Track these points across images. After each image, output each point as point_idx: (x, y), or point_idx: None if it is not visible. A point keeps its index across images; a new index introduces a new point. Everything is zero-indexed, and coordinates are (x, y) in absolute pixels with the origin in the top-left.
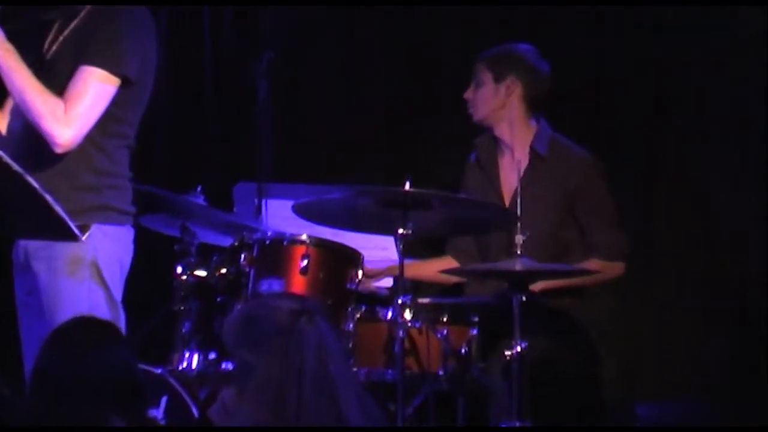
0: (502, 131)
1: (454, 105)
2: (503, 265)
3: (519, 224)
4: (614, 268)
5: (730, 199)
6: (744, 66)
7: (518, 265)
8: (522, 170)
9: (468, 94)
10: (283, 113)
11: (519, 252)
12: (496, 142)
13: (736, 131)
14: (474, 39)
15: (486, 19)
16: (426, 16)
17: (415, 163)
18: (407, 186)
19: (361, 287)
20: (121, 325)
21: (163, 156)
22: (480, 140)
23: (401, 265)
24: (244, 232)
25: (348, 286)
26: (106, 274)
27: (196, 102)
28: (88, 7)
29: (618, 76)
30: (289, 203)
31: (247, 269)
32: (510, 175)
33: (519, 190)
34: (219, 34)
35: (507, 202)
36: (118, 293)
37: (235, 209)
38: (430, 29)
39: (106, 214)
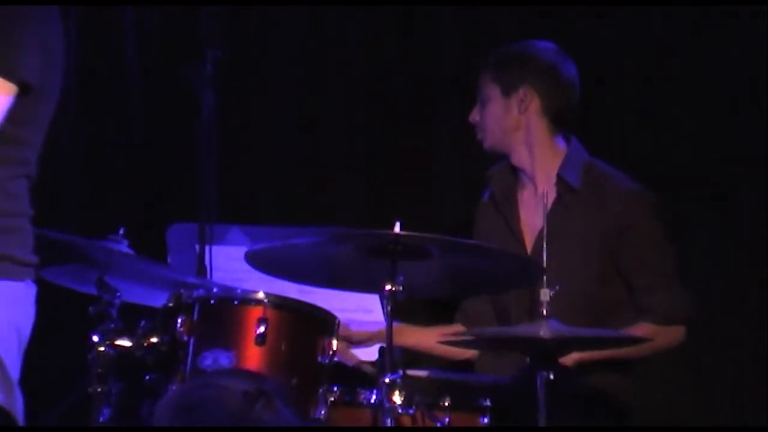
0: (521, 158)
1: (457, 125)
2: (524, 330)
3: (545, 277)
4: (672, 334)
5: None
6: None
7: (544, 331)
8: (548, 207)
9: (474, 116)
10: (232, 133)
11: (545, 312)
12: (514, 172)
13: None
14: (473, 43)
15: (487, 22)
16: (414, 14)
17: (406, 201)
18: (397, 228)
19: (342, 357)
20: (18, 411)
21: (72, 190)
22: (495, 171)
23: (389, 332)
24: (182, 289)
25: (319, 360)
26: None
27: (115, 120)
28: None
29: (665, 81)
30: (242, 250)
31: (186, 338)
32: (533, 213)
33: (545, 232)
34: (146, 32)
35: (529, 249)
36: (14, 369)
37: (169, 258)
38: (419, 32)
39: None
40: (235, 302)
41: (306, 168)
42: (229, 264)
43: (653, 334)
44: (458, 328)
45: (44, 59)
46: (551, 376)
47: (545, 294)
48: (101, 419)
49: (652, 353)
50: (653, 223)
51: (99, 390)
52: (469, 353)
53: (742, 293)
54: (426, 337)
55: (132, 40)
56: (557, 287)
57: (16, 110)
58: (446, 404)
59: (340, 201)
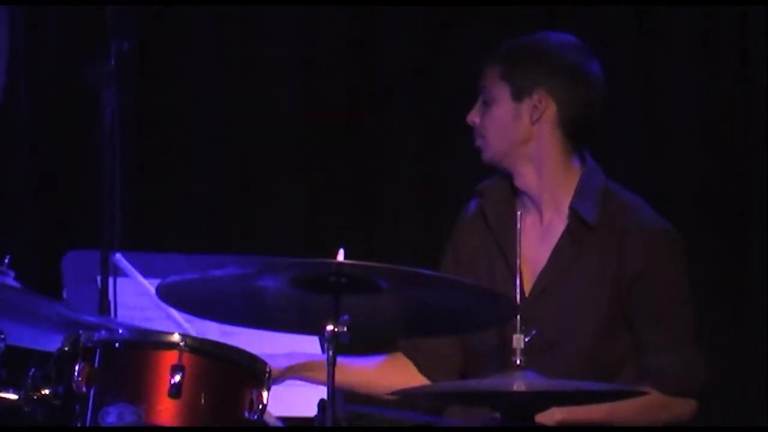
0: (526, 178)
1: (416, 138)
2: (494, 382)
3: (519, 318)
4: (679, 407)
5: None
6: None
7: (518, 383)
8: (555, 241)
9: (473, 117)
10: (139, 143)
11: (518, 362)
12: (513, 191)
13: None
14: (422, 52)
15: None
16: (355, 18)
17: (350, 225)
18: (340, 257)
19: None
20: None
21: None
22: (489, 185)
23: (331, 380)
24: (80, 330)
25: (246, 416)
26: None
27: (4, 128)
28: None
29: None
30: (153, 283)
31: (85, 389)
32: (536, 246)
33: (547, 270)
34: (39, 24)
35: (528, 288)
36: None
37: (64, 293)
38: (360, 41)
39: None
40: (145, 346)
41: (231, 185)
42: (138, 300)
43: (657, 403)
44: (402, 362)
45: None
46: None
47: (519, 340)
48: None
49: (652, 423)
50: (677, 272)
51: None
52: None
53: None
54: (362, 375)
55: (22, 36)
56: (533, 332)
57: None
58: None
59: (272, 225)
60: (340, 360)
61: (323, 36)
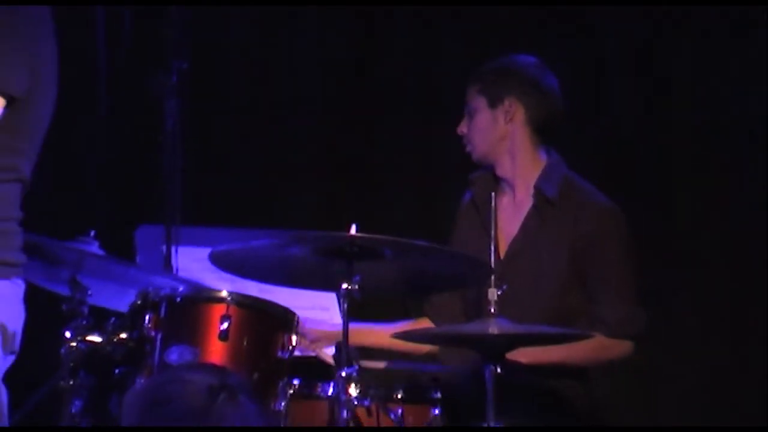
0: (504, 167)
1: (414, 133)
2: (472, 327)
3: (493, 277)
4: (618, 347)
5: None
6: None
7: (492, 328)
8: (524, 215)
9: (462, 128)
10: (195, 140)
11: (492, 311)
12: (496, 178)
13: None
14: (434, 48)
15: (454, 33)
16: (376, 21)
17: (362, 204)
18: (353, 230)
19: (302, 348)
20: (3, 405)
21: (45, 192)
22: (477, 176)
23: (346, 328)
24: (149, 288)
25: (279, 355)
26: None
27: (86, 125)
28: None
29: (629, 98)
30: (205, 251)
31: (153, 334)
32: (510, 220)
33: (517, 238)
34: (117, 42)
35: (503, 253)
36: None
37: (137, 259)
38: (383, 37)
39: None
40: (200, 300)
41: (267, 173)
42: (194, 264)
43: (600, 344)
44: (425, 321)
45: (32, 70)
46: (498, 370)
47: (493, 293)
48: (73, 411)
49: (596, 362)
50: (620, 240)
51: (71, 383)
52: (427, 348)
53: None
54: (382, 336)
55: (103, 51)
56: (504, 287)
57: (5, 121)
58: (399, 396)
59: (299, 204)
60: (376, 326)
61: (336, 40)
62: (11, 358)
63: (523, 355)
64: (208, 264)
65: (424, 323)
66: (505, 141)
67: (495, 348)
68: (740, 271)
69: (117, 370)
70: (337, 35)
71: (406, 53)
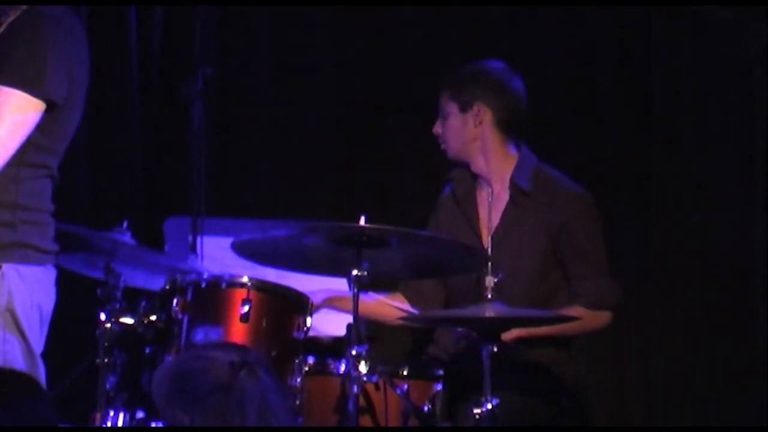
0: (479, 165)
1: (417, 131)
2: (472, 311)
3: (490, 265)
4: (599, 318)
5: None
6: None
7: (489, 311)
8: (502, 207)
9: (437, 129)
10: (219, 139)
11: (489, 296)
12: (474, 175)
13: (739, 158)
14: (438, 54)
15: (455, 33)
16: (385, 24)
17: (370, 197)
18: (362, 221)
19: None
20: (41, 379)
21: (82, 187)
22: (456, 173)
23: (356, 310)
24: (177, 274)
25: (295, 335)
26: (23, 322)
27: (119, 124)
28: (11, 16)
29: (610, 98)
30: (228, 241)
31: (180, 316)
32: (489, 212)
33: (498, 229)
34: (147, 48)
35: (485, 243)
36: (37, 343)
37: (166, 248)
38: (390, 41)
39: (23, 252)
40: (223, 285)
41: (285, 169)
42: (218, 252)
43: (582, 316)
44: (399, 297)
45: (70, 75)
46: (495, 349)
47: (490, 280)
48: (107, 386)
49: (580, 332)
50: (591, 222)
51: (105, 361)
52: (398, 322)
53: (658, 282)
54: (376, 309)
55: (135, 59)
56: (500, 275)
57: (44, 123)
58: (405, 373)
59: (313, 197)
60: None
61: (350, 44)
62: (45, 336)
63: (515, 331)
64: (230, 252)
65: (398, 299)
66: (477, 141)
67: (492, 328)
68: (739, 271)
69: (147, 349)
70: (350, 36)
71: (416, 52)
